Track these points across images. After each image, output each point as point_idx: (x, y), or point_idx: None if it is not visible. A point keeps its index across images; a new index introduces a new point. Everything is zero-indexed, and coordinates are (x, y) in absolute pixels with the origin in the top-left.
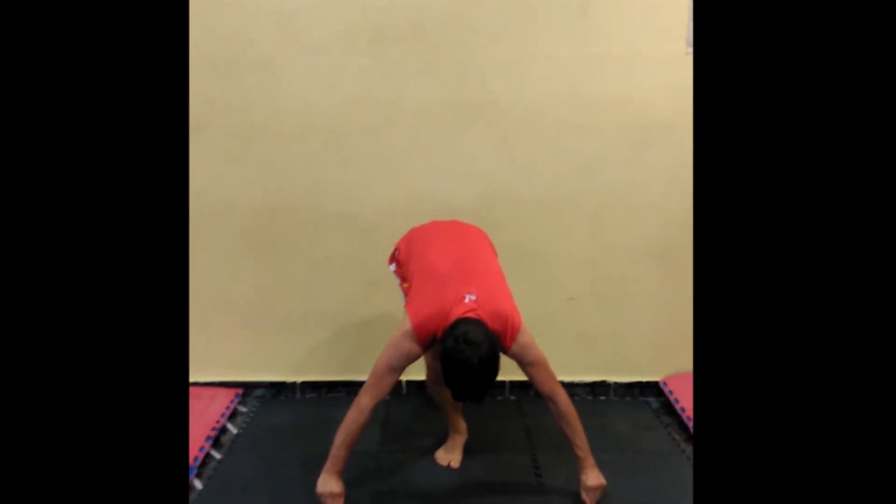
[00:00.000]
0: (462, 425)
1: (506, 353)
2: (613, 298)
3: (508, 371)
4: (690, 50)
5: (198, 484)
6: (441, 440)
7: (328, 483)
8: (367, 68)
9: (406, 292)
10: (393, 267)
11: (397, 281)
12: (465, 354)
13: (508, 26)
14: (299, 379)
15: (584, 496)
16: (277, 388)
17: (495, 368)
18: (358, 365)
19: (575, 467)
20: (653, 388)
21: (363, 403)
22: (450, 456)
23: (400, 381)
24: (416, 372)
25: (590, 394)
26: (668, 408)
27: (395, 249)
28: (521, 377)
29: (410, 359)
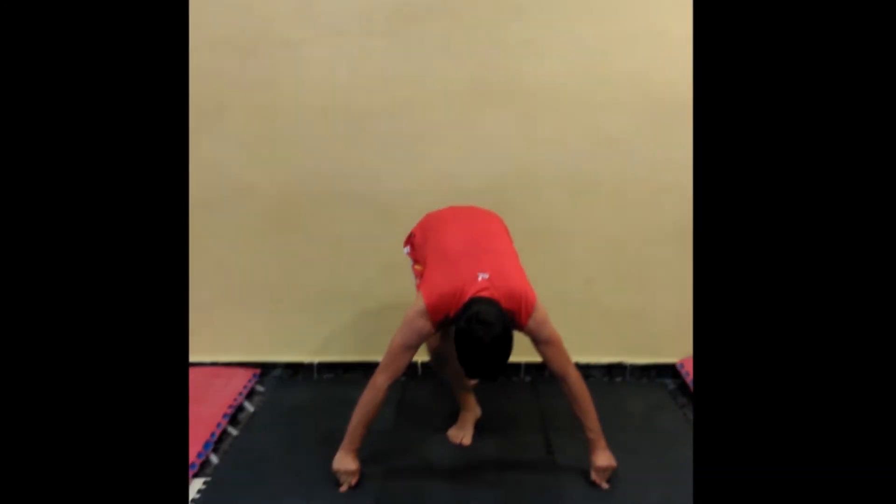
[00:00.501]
0: (472, 402)
1: (521, 329)
2: (633, 279)
3: (524, 352)
4: None
5: (214, 458)
6: (454, 420)
7: (344, 460)
8: (388, 48)
9: (419, 275)
10: (407, 249)
11: (411, 263)
12: (479, 334)
13: (529, 3)
14: (317, 360)
15: (594, 476)
16: (295, 369)
17: (508, 347)
18: (376, 346)
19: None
20: (669, 370)
21: (379, 382)
22: (461, 433)
23: (415, 363)
24: None
25: (606, 375)
26: (685, 389)
27: (412, 233)
28: (537, 359)
29: (423, 337)
